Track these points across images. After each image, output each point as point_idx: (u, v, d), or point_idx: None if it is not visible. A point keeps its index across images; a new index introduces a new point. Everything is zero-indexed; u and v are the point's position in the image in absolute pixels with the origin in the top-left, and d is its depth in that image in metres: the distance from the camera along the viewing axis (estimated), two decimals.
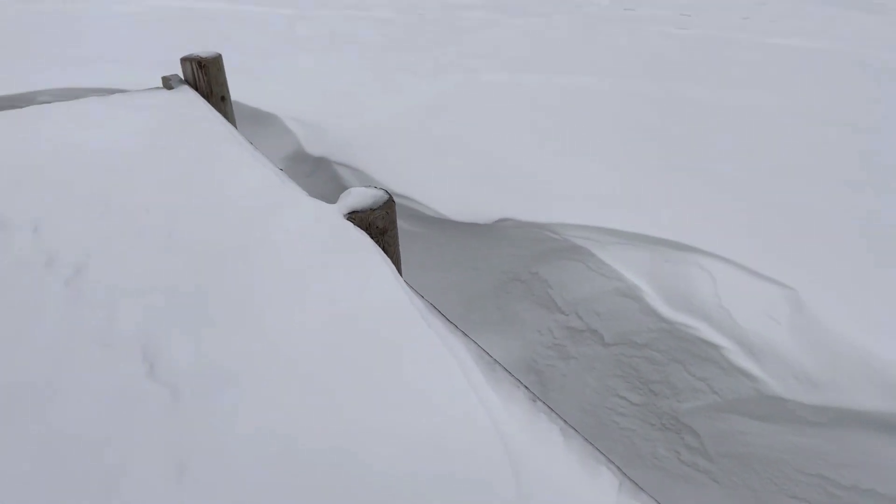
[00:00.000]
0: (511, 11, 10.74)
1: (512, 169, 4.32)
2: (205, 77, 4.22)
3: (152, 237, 2.34)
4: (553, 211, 3.72)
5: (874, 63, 7.15)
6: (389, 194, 2.52)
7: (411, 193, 4.11)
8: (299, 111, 5.59)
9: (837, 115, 5.32)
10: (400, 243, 2.90)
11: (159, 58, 7.26)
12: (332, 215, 2.42)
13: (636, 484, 1.48)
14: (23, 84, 6.13)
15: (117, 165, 2.97)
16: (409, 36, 8.73)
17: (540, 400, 1.69)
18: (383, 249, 2.34)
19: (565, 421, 1.63)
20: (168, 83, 4.28)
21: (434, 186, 4.17)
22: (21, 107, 4.03)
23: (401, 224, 3.84)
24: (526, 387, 1.72)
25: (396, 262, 2.62)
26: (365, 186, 2.58)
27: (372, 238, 2.35)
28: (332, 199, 3.24)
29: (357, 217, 2.42)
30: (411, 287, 2.12)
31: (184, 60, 4.27)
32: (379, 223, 2.47)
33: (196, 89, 4.27)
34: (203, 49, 7.72)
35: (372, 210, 2.44)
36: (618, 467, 1.52)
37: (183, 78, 4.40)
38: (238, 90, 5.87)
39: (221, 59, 4.29)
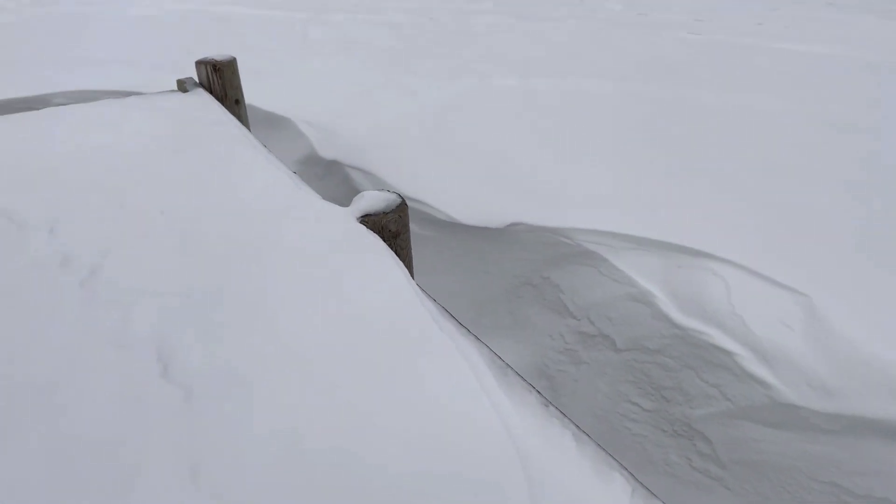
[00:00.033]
0: (523, 16, 10.75)
1: (523, 173, 4.32)
2: (219, 80, 4.25)
3: (167, 239, 2.35)
4: (565, 215, 3.72)
5: (887, 68, 7.10)
6: (402, 198, 2.52)
7: (423, 197, 4.12)
8: (312, 115, 5.62)
9: (847, 119, 5.28)
10: (412, 247, 2.90)
11: (174, 61, 7.32)
12: (345, 218, 2.43)
13: (649, 490, 1.48)
14: (38, 86, 6.20)
15: (132, 167, 2.99)
16: (421, 40, 8.75)
17: (552, 405, 1.69)
18: (396, 253, 2.34)
19: (578, 426, 1.63)
20: (183, 86, 4.31)
21: (446, 190, 4.18)
22: (37, 109, 4.07)
23: (412, 227, 3.85)
24: (538, 391, 1.72)
25: (409, 266, 2.62)
26: (377, 190, 2.58)
27: (384, 241, 2.35)
28: (344, 202, 3.25)
29: (370, 220, 2.42)
30: (423, 290, 2.12)
31: (198, 63, 4.30)
32: (392, 226, 2.47)
33: (210, 92, 4.30)
34: (218, 52, 7.78)
35: (385, 213, 2.44)
36: (630, 473, 1.52)
37: (197, 81, 4.42)
38: (252, 93, 5.90)
39: (236, 63, 4.31)
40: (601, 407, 3.24)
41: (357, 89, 6.39)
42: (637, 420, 3.15)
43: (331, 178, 4.87)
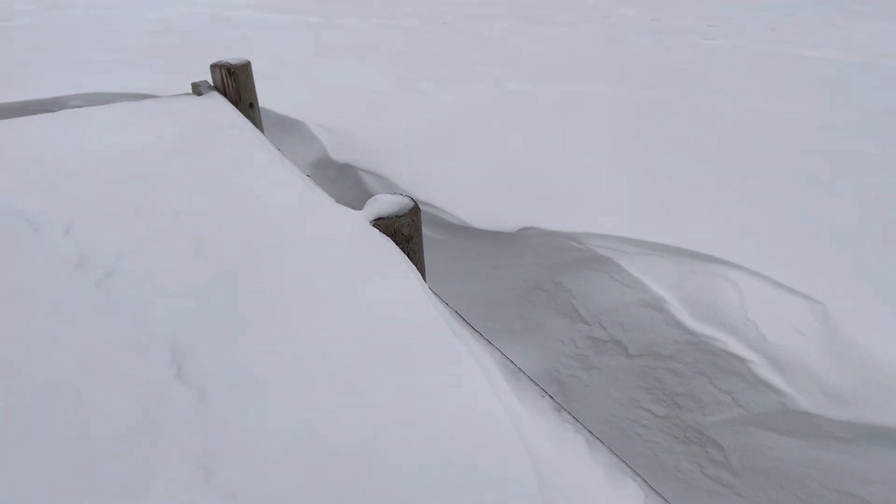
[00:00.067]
0: (537, 21, 10.75)
1: (535, 177, 4.32)
2: (234, 83, 4.28)
3: (182, 240, 2.36)
4: (577, 220, 3.71)
5: None
6: (415, 201, 2.53)
7: (435, 201, 4.12)
8: (325, 118, 5.64)
9: (862, 126, 5.24)
10: (424, 250, 2.91)
11: (188, 64, 7.37)
12: (358, 222, 2.43)
13: (662, 497, 1.47)
14: (54, 88, 6.26)
15: (148, 169, 3.01)
16: (434, 44, 8.78)
17: (565, 410, 1.68)
18: (408, 256, 2.35)
19: (590, 431, 1.62)
20: (197, 89, 4.34)
21: (458, 194, 4.18)
22: (53, 111, 4.11)
23: (425, 231, 3.85)
24: (551, 396, 1.72)
25: (421, 270, 2.62)
26: (390, 193, 2.59)
27: (397, 245, 2.36)
28: (356, 205, 3.27)
29: (383, 224, 2.43)
30: (436, 294, 2.12)
31: (213, 67, 4.33)
32: (404, 230, 2.47)
33: (225, 95, 4.32)
34: (232, 56, 7.83)
35: (398, 217, 2.45)
36: (643, 479, 1.51)
37: (212, 84, 4.45)
38: (266, 97, 5.94)
39: (250, 66, 4.34)
40: (612, 413, 3.23)
41: (370, 93, 6.41)
42: (649, 426, 3.13)
43: (343, 181, 4.89)
